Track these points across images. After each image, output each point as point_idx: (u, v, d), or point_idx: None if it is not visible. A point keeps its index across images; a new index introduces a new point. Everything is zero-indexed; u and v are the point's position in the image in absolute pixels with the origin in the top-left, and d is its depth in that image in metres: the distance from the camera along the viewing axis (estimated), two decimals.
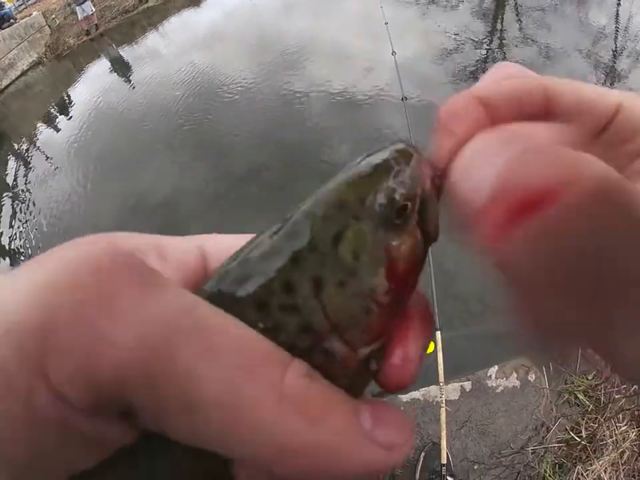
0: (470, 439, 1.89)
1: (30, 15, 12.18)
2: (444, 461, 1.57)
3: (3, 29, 11.15)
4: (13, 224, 5.13)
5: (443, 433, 1.57)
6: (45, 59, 10.95)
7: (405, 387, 0.20)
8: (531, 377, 2.04)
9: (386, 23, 3.01)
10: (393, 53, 2.71)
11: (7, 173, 6.40)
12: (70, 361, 0.14)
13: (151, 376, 0.14)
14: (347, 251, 0.18)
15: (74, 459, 0.15)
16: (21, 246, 4.71)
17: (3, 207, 5.55)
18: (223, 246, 0.22)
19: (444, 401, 1.60)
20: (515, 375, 2.06)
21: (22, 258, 4.51)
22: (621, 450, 1.77)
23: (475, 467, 1.83)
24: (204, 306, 0.16)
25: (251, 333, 0.16)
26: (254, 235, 0.21)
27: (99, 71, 9.06)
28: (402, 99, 2.44)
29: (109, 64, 9.22)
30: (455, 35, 6.04)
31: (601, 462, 1.74)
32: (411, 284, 0.20)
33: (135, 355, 0.14)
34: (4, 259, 4.65)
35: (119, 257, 0.16)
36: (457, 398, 1.99)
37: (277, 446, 0.14)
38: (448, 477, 1.54)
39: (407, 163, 0.20)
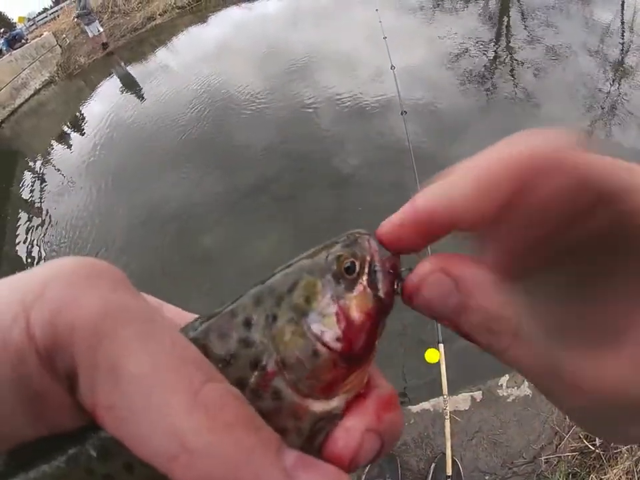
0: (481, 449, 1.87)
1: (41, 35, 12.49)
2: (449, 472, 1.56)
3: (15, 49, 11.43)
4: (29, 239, 5.22)
5: (448, 444, 1.56)
6: (56, 78, 11.19)
7: (344, 464, 0.19)
8: None
9: (384, 38, 3.02)
10: (392, 67, 2.72)
11: (22, 189, 6.54)
12: (47, 306, 0.17)
13: (95, 337, 0.16)
14: (299, 296, 0.21)
15: (19, 422, 0.17)
16: (37, 259, 4.79)
17: (19, 222, 5.66)
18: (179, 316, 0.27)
19: (448, 413, 1.59)
20: (526, 383, 2.03)
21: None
22: (636, 458, 1.74)
23: (487, 478, 1.81)
24: (162, 315, 0.19)
25: (190, 343, 0.18)
26: None
27: (110, 88, 9.22)
28: (401, 113, 2.44)
29: (120, 81, 9.38)
30: (460, 39, 6.04)
31: (615, 470, 1.71)
32: (362, 340, 0.21)
33: (91, 317, 0.17)
34: (21, 271, 4.72)
35: (111, 266, 0.20)
36: (467, 408, 1.98)
37: (176, 440, 0.15)
38: None
39: (357, 238, 0.24)
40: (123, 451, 0.16)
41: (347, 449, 0.20)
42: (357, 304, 0.22)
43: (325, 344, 0.20)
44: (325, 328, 0.21)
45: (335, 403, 0.21)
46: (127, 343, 0.16)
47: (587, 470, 1.77)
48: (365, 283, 0.23)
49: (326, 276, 0.22)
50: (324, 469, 0.18)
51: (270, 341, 0.20)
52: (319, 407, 0.20)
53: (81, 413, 0.17)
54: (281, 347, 0.20)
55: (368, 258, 0.24)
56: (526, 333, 0.20)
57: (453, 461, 1.68)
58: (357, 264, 0.23)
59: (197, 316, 0.23)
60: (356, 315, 0.21)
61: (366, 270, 0.23)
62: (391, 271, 0.24)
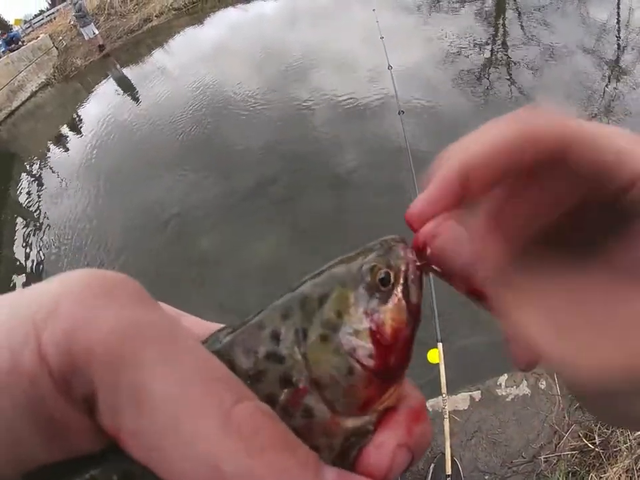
0: (480, 449, 1.87)
1: (37, 37, 12.46)
2: (449, 472, 1.56)
3: (12, 51, 11.41)
4: (26, 241, 5.22)
5: (447, 444, 1.56)
6: (53, 80, 11.17)
7: (378, 477, 0.19)
8: (542, 384, 2.02)
9: (382, 38, 3.02)
10: (389, 67, 2.72)
11: (19, 192, 6.53)
12: (60, 326, 0.16)
13: (115, 357, 0.16)
14: (330, 309, 0.20)
15: (34, 445, 0.16)
16: (35, 262, 4.78)
17: (17, 225, 5.65)
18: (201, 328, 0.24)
19: (447, 412, 1.59)
20: (525, 382, 2.03)
21: (39, 272, 4.58)
22: (635, 456, 1.74)
23: (486, 477, 1.81)
24: (183, 328, 0.18)
25: (216, 360, 0.17)
26: None
27: (106, 90, 9.21)
28: (398, 113, 2.45)
29: (116, 83, 9.37)
30: (457, 39, 6.06)
31: (615, 469, 1.71)
32: (398, 355, 0.21)
33: (108, 337, 0.16)
34: (19, 275, 4.72)
35: (126, 278, 0.18)
36: (466, 408, 1.98)
37: (210, 465, 0.15)
38: None
39: (392, 247, 0.23)
40: (148, 475, 0.16)
41: (379, 465, 0.19)
42: (391, 317, 0.21)
43: (359, 361, 0.19)
44: (359, 344, 0.20)
45: (367, 417, 0.20)
46: (150, 365, 0.16)
47: (587, 469, 1.78)
48: (399, 294, 0.22)
49: (359, 288, 0.21)
50: None
51: (301, 358, 0.19)
52: (351, 423, 0.19)
53: (101, 436, 0.16)
54: (313, 364, 0.19)
55: (403, 268, 0.22)
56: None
57: (453, 461, 1.68)
58: (392, 275, 0.22)
59: (217, 326, 0.22)
60: (390, 329, 0.21)
61: (401, 280, 0.22)
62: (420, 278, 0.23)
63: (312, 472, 0.16)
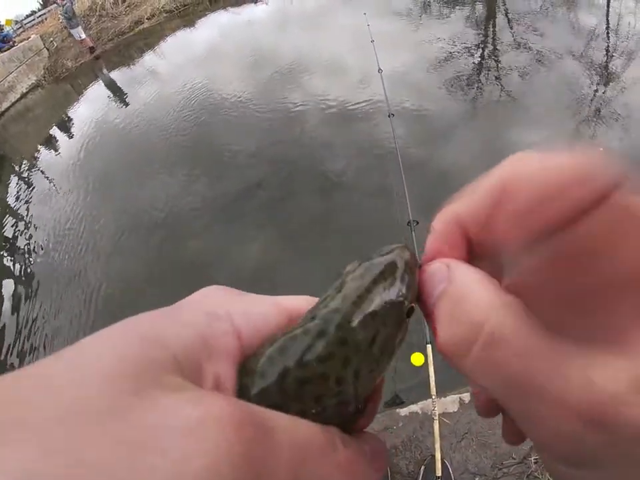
0: (470, 451, 1.87)
1: (28, 38, 12.36)
2: (439, 474, 1.56)
3: (3, 51, 11.31)
4: (15, 244, 5.16)
5: (437, 446, 1.56)
6: (43, 82, 11.10)
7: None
8: None
9: (372, 41, 3.04)
10: (379, 70, 2.73)
11: (8, 194, 6.47)
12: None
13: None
14: (377, 349, 0.23)
15: None
16: (23, 266, 4.73)
17: (5, 228, 5.59)
18: (251, 320, 0.23)
19: (437, 414, 1.59)
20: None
21: (23, 278, 4.54)
22: None
23: (477, 479, 1.81)
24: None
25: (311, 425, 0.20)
26: (288, 323, 0.24)
27: (97, 92, 9.16)
28: (388, 116, 2.46)
29: (107, 85, 9.33)
30: (447, 44, 6.10)
31: None
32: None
33: None
34: (7, 279, 4.67)
35: (164, 349, 0.18)
36: (455, 410, 1.98)
37: None
38: None
39: (412, 270, 0.25)
40: None
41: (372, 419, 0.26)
42: (405, 338, 0.25)
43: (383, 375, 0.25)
44: (389, 365, 0.24)
45: None
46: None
47: None
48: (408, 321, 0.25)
49: (396, 323, 0.23)
50: (378, 449, 0.24)
51: (354, 388, 0.22)
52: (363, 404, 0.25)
53: None
54: (360, 389, 0.22)
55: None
56: (509, 330, 0.18)
57: (443, 463, 1.68)
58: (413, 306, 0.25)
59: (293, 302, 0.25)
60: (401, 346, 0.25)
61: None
62: None
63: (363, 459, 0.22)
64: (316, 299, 0.24)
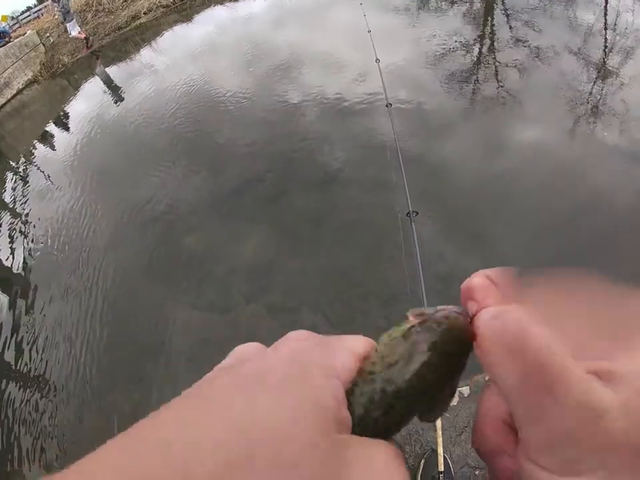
0: (470, 445, 1.87)
1: (24, 33, 12.28)
2: (441, 468, 1.56)
3: (0, 46, 11.22)
4: (12, 241, 5.14)
5: (439, 440, 1.56)
6: (40, 77, 11.03)
7: None
8: None
9: (369, 31, 3.02)
10: (377, 60, 2.72)
11: (4, 190, 6.43)
12: None
13: None
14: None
15: None
16: (21, 262, 4.71)
17: (2, 225, 5.56)
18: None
19: None
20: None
21: (22, 274, 4.52)
22: None
23: (477, 472, 1.81)
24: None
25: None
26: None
27: (94, 87, 9.12)
28: (386, 105, 2.45)
29: (103, 80, 9.28)
30: (445, 40, 6.08)
31: None
32: None
33: None
34: (3, 275, 4.65)
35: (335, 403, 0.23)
36: (455, 403, 1.98)
37: None
38: None
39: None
40: None
41: None
42: None
43: None
44: None
45: None
46: None
47: None
48: None
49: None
50: None
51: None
52: None
53: None
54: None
55: None
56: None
57: (443, 457, 1.68)
58: None
59: None
60: None
61: None
62: None
63: None
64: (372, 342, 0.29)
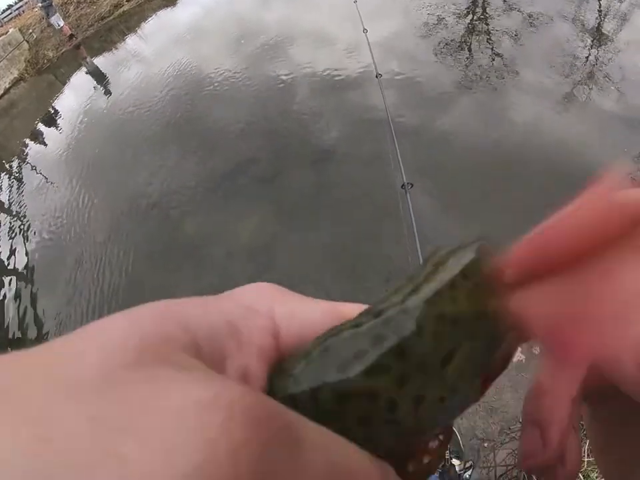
0: (478, 417, 1.87)
1: (7, 32, 12.07)
2: None
3: None
4: (10, 240, 5.13)
5: None
6: (26, 75, 10.88)
7: None
8: (536, 350, 2.00)
9: (355, 1, 2.96)
10: (364, 30, 2.67)
11: (0, 191, 6.40)
12: None
13: None
14: (453, 371, 0.16)
15: None
16: (22, 262, 4.70)
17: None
18: (296, 321, 0.18)
19: None
20: (519, 349, 2.02)
21: (22, 271, 4.53)
22: None
23: (485, 445, 1.81)
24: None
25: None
26: (335, 320, 0.18)
27: (81, 80, 9.04)
28: (376, 76, 2.39)
29: (90, 72, 9.17)
30: (435, 8, 5.97)
31: None
32: None
33: None
34: (3, 275, 4.66)
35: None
36: None
37: None
38: (453, 460, 1.51)
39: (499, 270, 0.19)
40: None
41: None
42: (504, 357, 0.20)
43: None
44: (473, 397, 0.19)
45: None
46: None
47: (583, 430, 1.77)
48: None
49: (500, 343, 0.18)
50: None
51: (414, 418, 0.16)
52: None
53: None
54: (422, 419, 0.17)
55: None
56: None
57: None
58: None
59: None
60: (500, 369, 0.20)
61: None
62: None
63: None
64: None
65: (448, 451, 1.53)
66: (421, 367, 0.16)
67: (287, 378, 0.16)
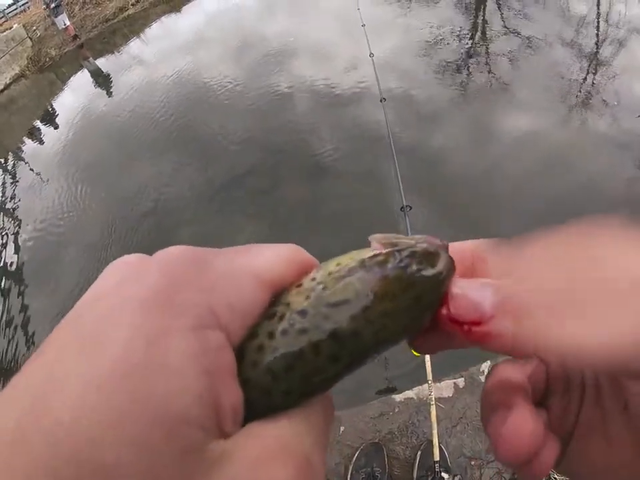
0: (466, 435, 1.88)
1: (11, 27, 12.06)
2: (436, 458, 1.56)
3: None
4: (2, 237, 5.08)
5: (434, 431, 1.56)
6: (27, 72, 10.85)
7: None
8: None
9: (363, 25, 3.01)
10: (371, 54, 2.71)
11: None
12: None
13: None
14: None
15: None
16: (14, 259, 4.66)
17: None
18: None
19: (433, 399, 1.59)
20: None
21: (14, 270, 4.48)
22: None
23: (472, 463, 1.82)
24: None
25: None
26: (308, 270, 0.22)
27: (82, 80, 9.00)
28: (380, 100, 2.43)
29: (92, 74, 9.16)
30: (437, 30, 6.05)
31: None
32: None
33: None
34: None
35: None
36: (450, 395, 1.98)
37: None
38: (442, 474, 1.53)
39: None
40: None
41: None
42: None
43: None
44: None
45: None
46: None
47: None
48: None
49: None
50: None
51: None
52: None
53: None
54: None
55: None
56: None
57: (439, 448, 1.69)
58: None
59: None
60: None
61: None
62: None
63: None
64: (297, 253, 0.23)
65: (437, 465, 1.55)
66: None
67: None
